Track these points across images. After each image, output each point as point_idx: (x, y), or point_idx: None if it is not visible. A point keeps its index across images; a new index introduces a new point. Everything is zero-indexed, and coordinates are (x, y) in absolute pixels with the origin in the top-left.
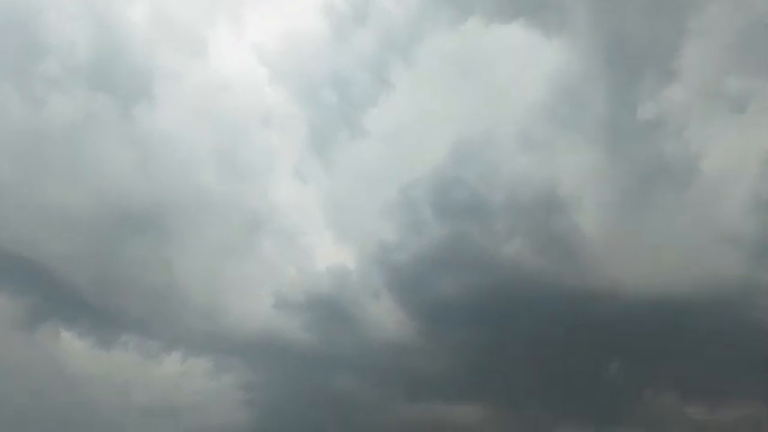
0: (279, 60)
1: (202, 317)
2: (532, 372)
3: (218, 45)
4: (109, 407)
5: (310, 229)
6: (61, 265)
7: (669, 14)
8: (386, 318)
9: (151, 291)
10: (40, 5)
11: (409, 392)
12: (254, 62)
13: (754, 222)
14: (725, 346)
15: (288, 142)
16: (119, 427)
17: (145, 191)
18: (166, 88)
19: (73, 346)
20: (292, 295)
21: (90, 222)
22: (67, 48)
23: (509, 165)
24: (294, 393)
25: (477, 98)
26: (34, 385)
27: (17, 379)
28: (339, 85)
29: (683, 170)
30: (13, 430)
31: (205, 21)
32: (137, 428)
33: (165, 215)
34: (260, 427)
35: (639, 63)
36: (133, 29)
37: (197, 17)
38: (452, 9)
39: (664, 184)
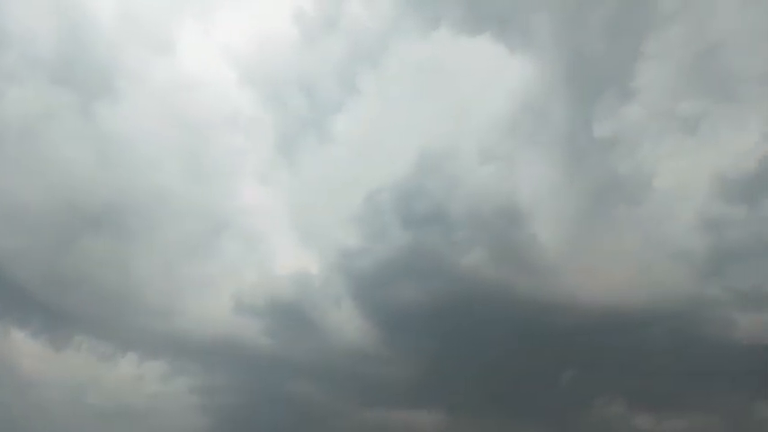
0: (247, 63)
1: (159, 318)
2: (489, 379)
3: (186, 44)
4: (61, 409)
5: (273, 233)
6: (13, 263)
7: (628, 37)
8: (347, 324)
9: (107, 291)
10: None
11: (368, 398)
12: (223, 63)
13: (702, 240)
14: (672, 359)
15: (254, 145)
16: (71, 430)
17: (103, 188)
18: (130, 85)
19: (24, 347)
20: (253, 299)
21: (44, 219)
22: (29, 39)
23: (471, 176)
24: (251, 399)
25: (442, 109)
26: None
27: None
28: (307, 90)
29: (637, 187)
30: None
31: (173, 19)
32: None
33: (124, 214)
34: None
35: (598, 82)
36: (98, 23)
37: (165, 15)
38: (421, 19)
39: (618, 200)
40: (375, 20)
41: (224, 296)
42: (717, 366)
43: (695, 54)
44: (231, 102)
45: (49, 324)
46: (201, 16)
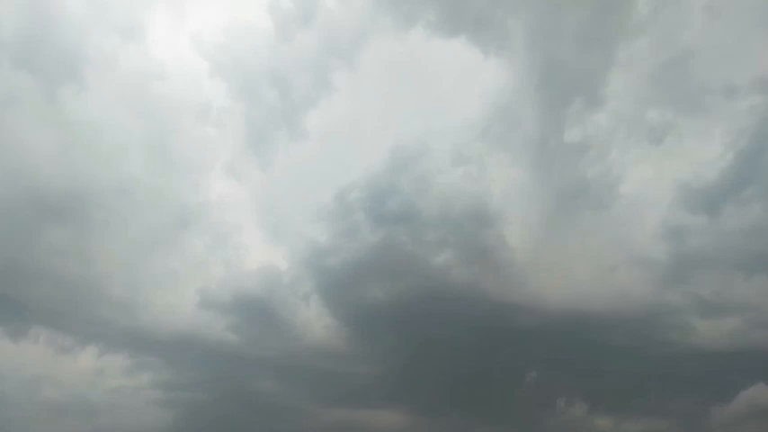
0: (219, 53)
1: (121, 312)
2: (454, 379)
3: (156, 32)
4: (16, 403)
5: (242, 228)
6: None
7: (599, 45)
8: (314, 322)
9: (67, 282)
10: None
11: (333, 397)
12: (194, 53)
13: (664, 247)
14: (633, 362)
15: (224, 138)
16: (26, 425)
17: (67, 177)
18: (97, 71)
19: None
20: (219, 294)
21: (2, 206)
22: None
23: (442, 177)
24: (215, 395)
25: (415, 108)
26: None
27: None
28: (280, 84)
29: (603, 193)
30: None
31: (143, 5)
32: (46, 427)
33: (88, 204)
34: (177, 428)
35: (569, 89)
36: (64, 5)
37: (135, 0)
38: (397, 18)
39: (585, 205)
40: (351, 16)
41: (189, 291)
42: (674, 371)
43: (664, 65)
44: (201, 92)
45: (5, 314)
46: (173, 3)
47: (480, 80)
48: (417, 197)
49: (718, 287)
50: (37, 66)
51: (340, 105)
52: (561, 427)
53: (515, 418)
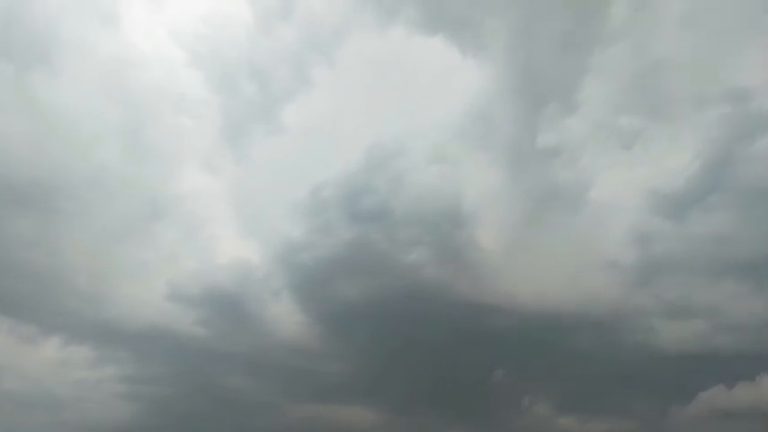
0: (197, 43)
1: (87, 303)
2: (423, 377)
3: (133, 19)
4: None
5: (215, 220)
6: None
7: (575, 52)
8: (285, 318)
9: (31, 271)
10: None
11: (304, 393)
12: (171, 42)
13: (631, 252)
14: (598, 363)
15: (200, 129)
16: None
17: (34, 164)
18: (70, 57)
19: None
20: (189, 287)
21: None
22: None
23: (418, 176)
24: (182, 390)
25: (393, 107)
26: None
27: None
28: (259, 77)
29: (574, 197)
30: None
31: None
32: (6, 419)
33: (56, 192)
34: (143, 423)
35: (544, 93)
36: None
37: None
38: (378, 15)
39: (556, 208)
40: (332, 11)
41: (158, 283)
42: (639, 372)
43: (637, 73)
44: (178, 82)
45: None
46: None
47: (458, 80)
48: (392, 195)
49: (683, 291)
50: (7, 49)
51: (318, 101)
52: (527, 426)
53: (483, 415)
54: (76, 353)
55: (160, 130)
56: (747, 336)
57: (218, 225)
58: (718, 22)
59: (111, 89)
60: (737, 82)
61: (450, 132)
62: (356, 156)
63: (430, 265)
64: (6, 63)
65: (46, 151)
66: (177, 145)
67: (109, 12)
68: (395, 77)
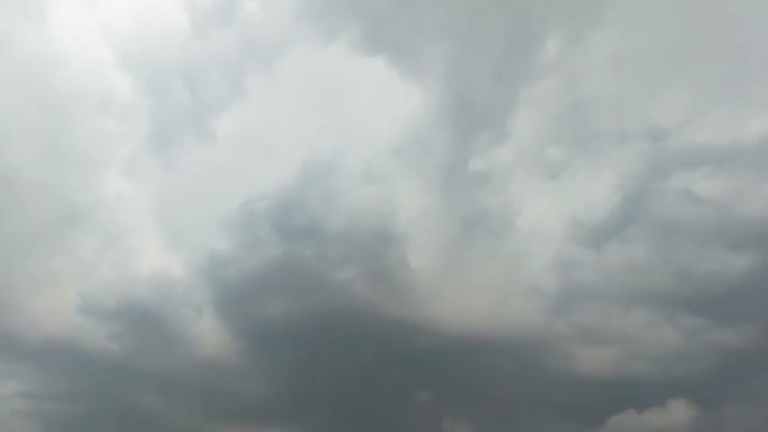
0: (128, 44)
1: None
2: (347, 398)
3: (61, 15)
4: None
5: (136, 230)
6: None
7: (508, 83)
8: (207, 335)
9: None
10: None
11: (223, 414)
12: (100, 41)
13: (554, 278)
14: (519, 387)
15: (125, 133)
16: None
17: None
18: None
19: None
20: (104, 300)
21: None
22: None
23: (351, 194)
24: (90, 408)
25: (329, 123)
26: None
27: None
28: (191, 83)
29: (502, 223)
30: None
31: None
32: None
33: None
34: None
35: (477, 121)
36: None
37: None
38: (319, 30)
39: (484, 233)
40: (272, 22)
41: (70, 294)
42: (556, 395)
43: (565, 107)
44: (105, 83)
45: None
46: None
47: (396, 103)
48: (324, 212)
49: (599, 318)
50: None
51: (253, 112)
52: None
53: None
54: None
55: (82, 132)
56: (657, 363)
57: (140, 235)
58: (643, 64)
59: (29, 87)
60: (657, 121)
61: (385, 153)
62: (289, 170)
63: (359, 283)
64: None
65: None
66: (100, 149)
67: (35, 6)
68: (333, 95)
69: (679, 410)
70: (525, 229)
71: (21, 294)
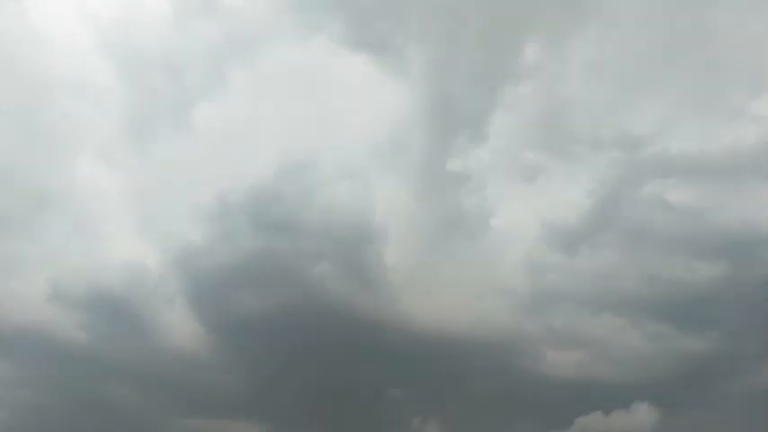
0: (107, 28)
1: None
2: (318, 393)
3: None
4: None
5: (109, 218)
6: None
7: (488, 85)
8: (179, 326)
9: None
10: None
11: (190, 407)
12: (80, 24)
13: (526, 280)
14: (489, 386)
15: (101, 118)
16: None
17: None
18: None
19: None
20: (73, 288)
21: None
22: None
23: (328, 189)
24: (57, 397)
25: (309, 117)
26: None
27: None
28: (171, 72)
29: (477, 224)
30: None
31: None
32: None
33: None
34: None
35: (457, 122)
36: None
37: None
38: (303, 25)
39: (459, 233)
40: (256, 14)
41: (39, 281)
42: (524, 396)
43: (542, 111)
44: (82, 66)
45: None
46: None
47: (376, 100)
48: (301, 207)
49: (569, 321)
50: None
51: (233, 103)
52: None
53: None
54: None
55: (56, 116)
56: (623, 366)
57: (113, 223)
58: (620, 71)
59: (4, 66)
60: (631, 129)
61: (363, 149)
62: (267, 164)
63: (334, 279)
64: None
65: None
66: (74, 134)
67: None
68: (314, 89)
69: (643, 413)
70: (499, 231)
71: None
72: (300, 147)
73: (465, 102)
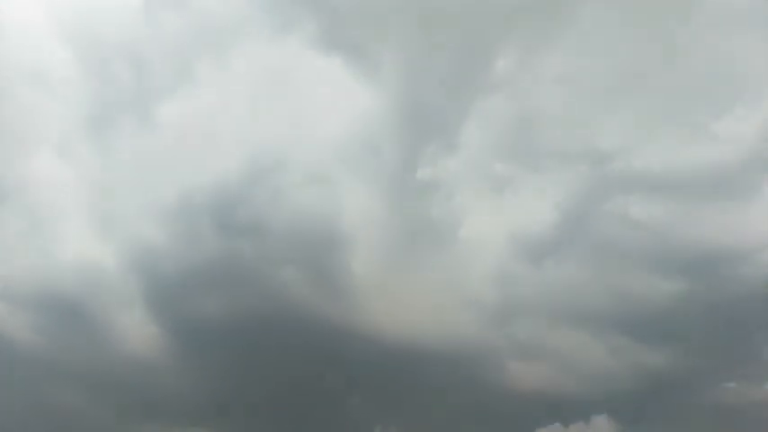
0: (71, 17)
1: None
2: (279, 400)
3: None
4: None
5: (64, 215)
6: None
7: (461, 95)
8: (136, 330)
9: None
10: None
11: (147, 413)
12: (41, 11)
13: (493, 291)
14: (452, 397)
15: (60, 111)
16: None
17: None
18: None
19: None
20: (23, 286)
21: None
22: None
23: (296, 193)
24: (4, 402)
25: (279, 119)
26: None
27: None
28: (137, 65)
29: (445, 234)
30: None
31: None
32: None
33: None
34: None
35: (428, 130)
36: None
37: None
38: (275, 23)
39: (428, 242)
40: (227, 10)
41: None
42: (487, 407)
43: (513, 123)
44: (42, 55)
45: None
46: None
47: (348, 104)
48: (268, 210)
49: (533, 333)
50: None
51: (200, 101)
52: None
53: None
54: None
55: (12, 105)
56: (584, 379)
57: (70, 220)
58: (590, 86)
59: None
60: (598, 144)
61: (334, 153)
62: (233, 164)
63: (299, 285)
64: None
65: None
66: (30, 126)
67: None
68: (284, 90)
69: (602, 426)
70: (467, 241)
71: None
72: (269, 148)
73: (437, 111)
